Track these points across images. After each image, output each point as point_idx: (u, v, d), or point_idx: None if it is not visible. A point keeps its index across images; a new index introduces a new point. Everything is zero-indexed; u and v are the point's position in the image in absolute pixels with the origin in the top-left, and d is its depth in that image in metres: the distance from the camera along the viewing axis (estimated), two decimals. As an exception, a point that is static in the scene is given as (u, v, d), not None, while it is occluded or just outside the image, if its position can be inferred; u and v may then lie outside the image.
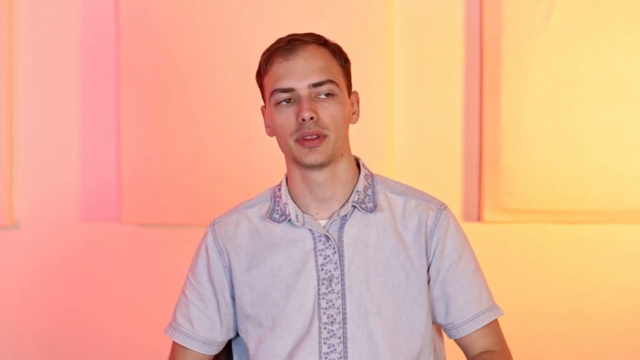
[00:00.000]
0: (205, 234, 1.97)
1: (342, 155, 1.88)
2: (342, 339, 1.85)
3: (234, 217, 1.96)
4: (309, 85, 1.82)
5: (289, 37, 1.86)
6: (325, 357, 1.84)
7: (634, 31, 3.08)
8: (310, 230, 1.87)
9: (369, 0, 3.10)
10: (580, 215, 3.11)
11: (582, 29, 3.08)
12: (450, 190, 3.14)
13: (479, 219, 3.14)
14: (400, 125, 3.16)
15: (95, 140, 3.18)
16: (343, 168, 1.89)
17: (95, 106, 3.18)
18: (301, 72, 1.82)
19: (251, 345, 1.91)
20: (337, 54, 1.88)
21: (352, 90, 1.92)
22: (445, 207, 1.93)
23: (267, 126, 1.92)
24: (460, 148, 3.17)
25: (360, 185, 1.89)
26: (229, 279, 1.94)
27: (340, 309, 1.85)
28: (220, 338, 1.97)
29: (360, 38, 3.06)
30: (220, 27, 3.13)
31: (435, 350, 1.94)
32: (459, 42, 3.16)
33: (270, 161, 3.06)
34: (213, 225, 1.97)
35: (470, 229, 2.91)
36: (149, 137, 3.14)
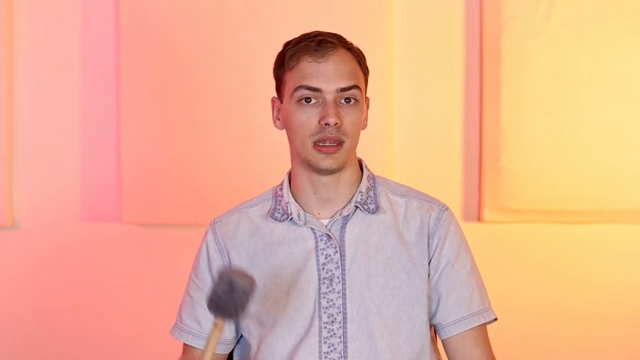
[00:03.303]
0: (206, 233, 1.97)
1: (350, 160, 1.88)
2: (342, 339, 1.85)
3: (235, 216, 1.96)
4: (336, 90, 1.82)
5: (319, 37, 1.85)
6: (325, 357, 1.84)
7: (633, 31, 3.08)
8: (312, 229, 1.87)
9: (369, 0, 3.11)
10: (580, 215, 3.11)
11: (582, 29, 3.08)
12: (450, 190, 3.15)
13: (479, 219, 3.15)
14: (400, 125, 3.16)
15: (95, 140, 3.18)
16: (349, 171, 1.89)
17: (95, 106, 3.18)
18: (331, 76, 1.82)
19: (253, 343, 1.91)
20: (362, 60, 1.89)
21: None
22: (447, 208, 1.94)
23: (276, 119, 1.91)
24: (460, 148, 3.17)
25: (363, 186, 1.90)
26: None
27: (341, 309, 1.85)
28: (230, 335, 1.96)
29: (361, 38, 3.05)
30: (220, 26, 3.13)
31: (434, 351, 1.94)
32: (459, 42, 3.16)
33: (270, 161, 3.07)
34: (213, 224, 1.97)
35: (470, 229, 2.92)
36: (149, 137, 3.14)
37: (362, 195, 1.89)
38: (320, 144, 1.81)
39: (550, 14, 3.09)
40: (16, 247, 3.19)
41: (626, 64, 3.08)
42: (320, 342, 1.85)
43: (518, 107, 3.10)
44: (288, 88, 1.85)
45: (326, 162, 1.82)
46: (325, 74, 1.82)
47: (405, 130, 3.17)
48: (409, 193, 1.94)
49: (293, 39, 1.88)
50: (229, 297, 1.70)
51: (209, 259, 1.95)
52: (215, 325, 1.72)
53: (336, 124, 1.80)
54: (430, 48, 3.17)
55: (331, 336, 1.85)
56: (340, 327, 1.85)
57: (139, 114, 3.14)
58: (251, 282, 1.71)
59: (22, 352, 3.19)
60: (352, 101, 1.83)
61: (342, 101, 1.83)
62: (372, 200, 1.90)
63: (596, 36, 3.08)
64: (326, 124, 1.80)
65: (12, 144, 3.17)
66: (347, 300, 1.85)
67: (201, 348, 1.95)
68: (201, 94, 3.14)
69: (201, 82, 3.13)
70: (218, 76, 3.13)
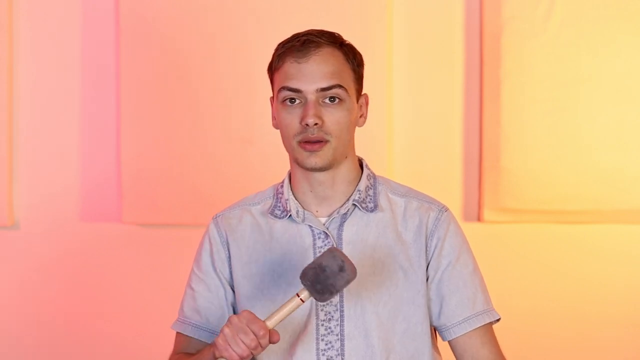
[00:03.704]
0: (208, 227, 1.98)
1: (345, 157, 1.88)
2: (339, 336, 1.85)
3: (237, 211, 1.97)
4: (316, 90, 1.82)
5: (305, 37, 1.85)
6: (323, 354, 1.85)
7: (633, 31, 3.08)
8: (310, 226, 1.87)
9: (369, 1, 3.11)
10: (580, 215, 3.11)
11: (582, 29, 3.08)
12: (450, 191, 3.15)
13: (479, 219, 3.14)
14: (400, 125, 3.16)
15: (95, 140, 3.18)
16: (346, 169, 1.89)
17: (95, 106, 3.18)
18: (311, 76, 1.82)
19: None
20: (351, 57, 1.88)
21: (362, 92, 1.92)
22: (447, 209, 1.93)
23: (273, 117, 1.92)
24: (460, 148, 3.17)
25: (362, 185, 1.90)
26: (229, 270, 1.94)
27: (338, 307, 1.85)
28: None
29: (360, 38, 3.05)
30: (220, 26, 3.13)
31: (434, 351, 1.94)
32: (459, 42, 3.16)
33: (270, 161, 3.07)
34: (216, 218, 1.98)
35: (470, 229, 2.92)
36: (149, 137, 3.14)
37: (360, 194, 1.89)
38: (304, 142, 1.82)
39: (550, 14, 3.09)
40: (16, 247, 3.19)
41: (626, 64, 3.08)
42: (317, 339, 1.85)
43: (518, 107, 3.10)
44: (275, 89, 1.88)
45: (310, 161, 1.83)
46: (306, 75, 1.82)
47: (405, 130, 3.17)
48: (409, 193, 1.94)
49: (285, 39, 1.89)
50: (332, 277, 1.69)
51: (211, 251, 1.95)
52: (298, 295, 1.71)
53: (316, 124, 1.81)
54: (430, 48, 3.17)
55: (328, 334, 1.85)
56: (338, 324, 1.85)
57: (139, 114, 3.14)
58: (355, 272, 1.70)
59: (22, 352, 3.19)
60: (336, 100, 1.83)
61: (327, 100, 1.83)
62: (371, 199, 1.90)
63: (596, 36, 3.08)
64: (306, 124, 1.81)
65: (12, 144, 3.17)
66: (344, 299, 1.85)
67: (200, 339, 1.94)
68: (201, 94, 3.14)
69: (201, 82, 3.13)
70: (218, 76, 3.13)
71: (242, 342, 1.69)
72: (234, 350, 1.70)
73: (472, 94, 3.16)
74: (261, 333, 1.69)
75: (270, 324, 1.71)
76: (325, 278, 1.69)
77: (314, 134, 1.81)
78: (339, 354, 1.84)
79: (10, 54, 3.14)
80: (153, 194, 3.15)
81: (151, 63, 3.13)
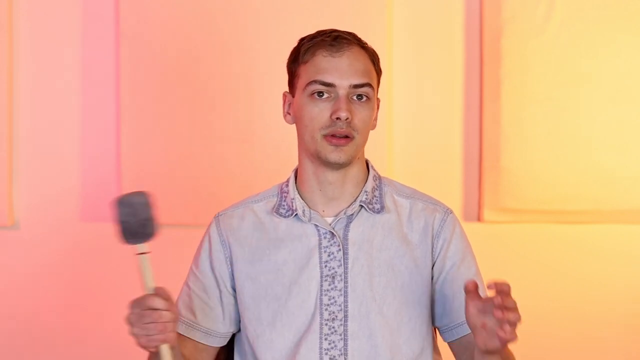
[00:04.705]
0: (209, 226, 1.98)
1: (358, 158, 1.89)
2: (342, 336, 1.85)
3: (239, 210, 1.97)
4: (350, 86, 1.83)
5: (335, 34, 1.87)
6: (326, 354, 1.85)
7: (633, 31, 3.09)
8: (316, 226, 1.88)
9: (369, 0, 3.11)
10: (580, 215, 3.11)
11: (582, 29, 3.09)
12: (450, 190, 3.15)
13: (479, 219, 3.15)
14: (400, 125, 3.16)
15: (95, 140, 3.18)
16: (355, 170, 1.90)
17: (95, 106, 3.18)
18: (345, 71, 1.83)
19: (252, 339, 1.91)
20: (375, 60, 1.90)
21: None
22: (452, 211, 1.96)
23: (287, 113, 1.92)
24: (460, 148, 3.17)
25: (368, 186, 1.90)
26: (230, 270, 1.94)
27: (342, 306, 1.85)
28: (222, 329, 1.96)
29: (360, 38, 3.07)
30: (220, 26, 3.13)
31: (435, 351, 1.94)
32: (459, 42, 3.16)
33: (271, 162, 3.07)
34: (217, 217, 1.98)
35: (470, 229, 2.91)
36: (149, 137, 3.14)
37: (367, 195, 1.89)
38: (331, 136, 1.82)
39: (550, 14, 3.09)
40: (16, 247, 3.18)
41: (626, 64, 3.09)
42: (321, 338, 1.85)
43: (518, 107, 3.10)
44: (301, 82, 1.87)
45: (335, 155, 1.83)
46: (340, 69, 1.83)
47: (405, 130, 3.17)
48: (414, 195, 1.95)
49: (308, 35, 1.90)
50: (139, 217, 1.72)
51: (210, 251, 1.96)
52: (142, 254, 1.71)
53: (347, 118, 1.81)
54: (430, 48, 3.17)
55: (332, 333, 1.85)
56: (341, 324, 1.85)
57: (139, 114, 3.14)
58: (143, 193, 1.72)
59: (22, 352, 3.19)
60: (364, 98, 1.85)
61: (354, 97, 1.84)
62: (377, 200, 1.90)
63: (596, 36, 3.08)
64: (337, 118, 1.81)
65: (12, 144, 3.16)
66: (348, 298, 1.85)
67: (193, 338, 1.94)
68: (201, 94, 3.14)
69: (201, 81, 3.13)
70: (218, 75, 3.13)
71: (149, 323, 1.68)
72: (151, 335, 1.69)
73: (472, 94, 3.16)
74: (150, 303, 1.68)
75: (147, 290, 1.70)
76: (138, 223, 1.73)
77: (342, 128, 1.82)
78: (342, 354, 1.84)
79: (10, 54, 3.14)
80: (153, 194, 3.14)
81: (151, 63, 3.13)
